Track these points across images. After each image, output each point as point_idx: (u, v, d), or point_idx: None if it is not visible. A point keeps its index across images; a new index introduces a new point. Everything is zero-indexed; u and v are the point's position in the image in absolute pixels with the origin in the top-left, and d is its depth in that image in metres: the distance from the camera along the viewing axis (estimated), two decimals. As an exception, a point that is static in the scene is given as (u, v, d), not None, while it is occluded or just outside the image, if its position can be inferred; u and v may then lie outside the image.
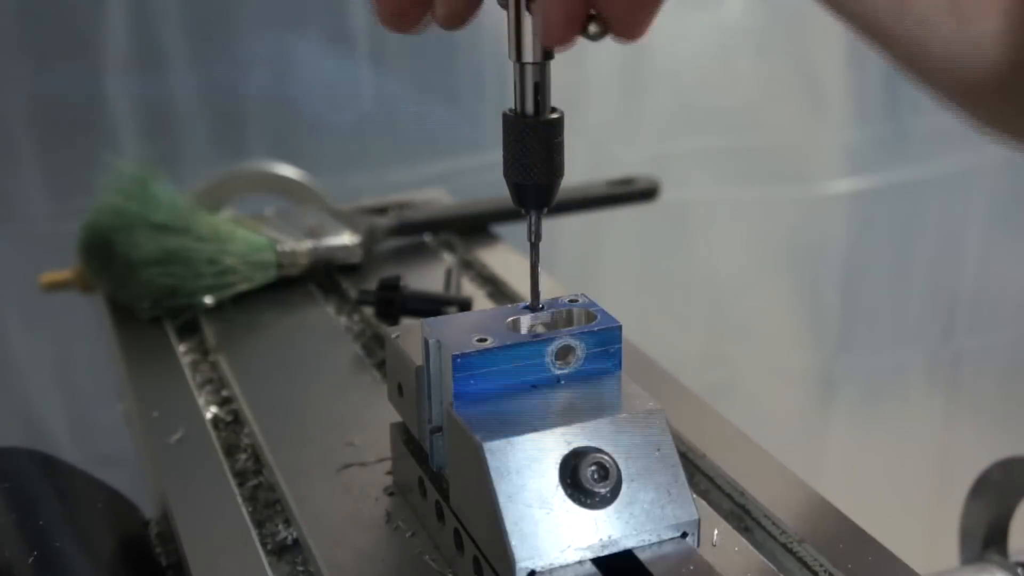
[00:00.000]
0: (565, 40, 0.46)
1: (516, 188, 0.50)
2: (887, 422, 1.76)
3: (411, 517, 0.56)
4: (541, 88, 0.48)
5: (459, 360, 0.49)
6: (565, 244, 1.52)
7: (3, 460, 0.60)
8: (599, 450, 0.47)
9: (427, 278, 0.84)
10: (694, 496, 0.49)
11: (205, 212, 0.84)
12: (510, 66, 0.49)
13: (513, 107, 0.49)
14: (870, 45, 0.42)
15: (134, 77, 1.30)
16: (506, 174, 0.50)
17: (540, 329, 0.52)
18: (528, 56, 0.48)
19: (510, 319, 0.51)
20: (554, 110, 0.49)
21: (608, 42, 0.47)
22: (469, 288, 0.84)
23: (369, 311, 0.80)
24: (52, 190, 1.31)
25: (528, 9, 0.46)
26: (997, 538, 0.64)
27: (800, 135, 1.56)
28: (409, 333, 0.55)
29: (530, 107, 0.49)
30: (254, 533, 0.56)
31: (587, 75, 1.44)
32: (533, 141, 0.49)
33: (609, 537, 0.46)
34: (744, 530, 0.57)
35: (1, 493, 0.57)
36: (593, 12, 0.45)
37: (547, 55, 0.48)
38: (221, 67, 1.33)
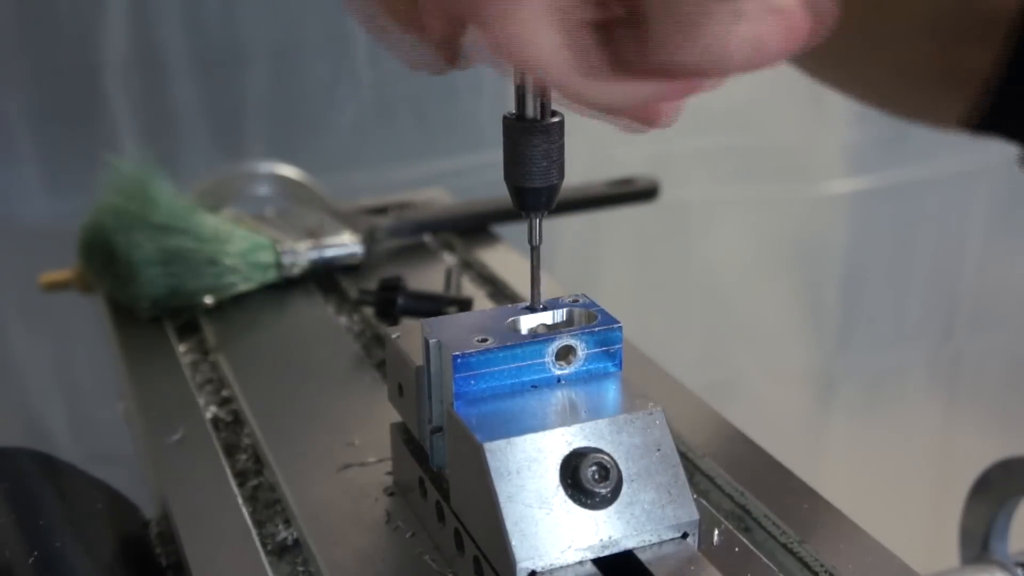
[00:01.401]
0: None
1: (516, 192, 0.50)
2: (887, 422, 1.77)
3: (411, 517, 0.56)
4: (541, 91, 0.48)
5: (459, 360, 0.49)
6: (565, 244, 1.52)
7: (3, 460, 0.60)
8: (599, 450, 0.47)
9: (427, 278, 0.84)
10: (694, 496, 0.49)
11: (205, 212, 0.84)
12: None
13: (513, 110, 0.49)
14: None
15: (134, 77, 1.30)
16: (506, 178, 0.50)
17: (540, 329, 0.52)
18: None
19: (510, 319, 0.51)
20: (554, 113, 0.49)
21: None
22: (469, 288, 0.84)
23: (369, 311, 0.80)
24: (52, 190, 1.31)
25: None
26: (997, 538, 0.64)
27: (800, 135, 1.56)
28: (409, 333, 0.55)
29: (530, 111, 0.48)
30: (254, 533, 0.56)
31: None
32: (533, 145, 0.48)
33: (609, 537, 0.46)
34: (744, 530, 0.57)
35: (1, 493, 0.57)
36: None
37: None
38: (221, 67, 1.33)
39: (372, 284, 0.80)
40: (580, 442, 0.47)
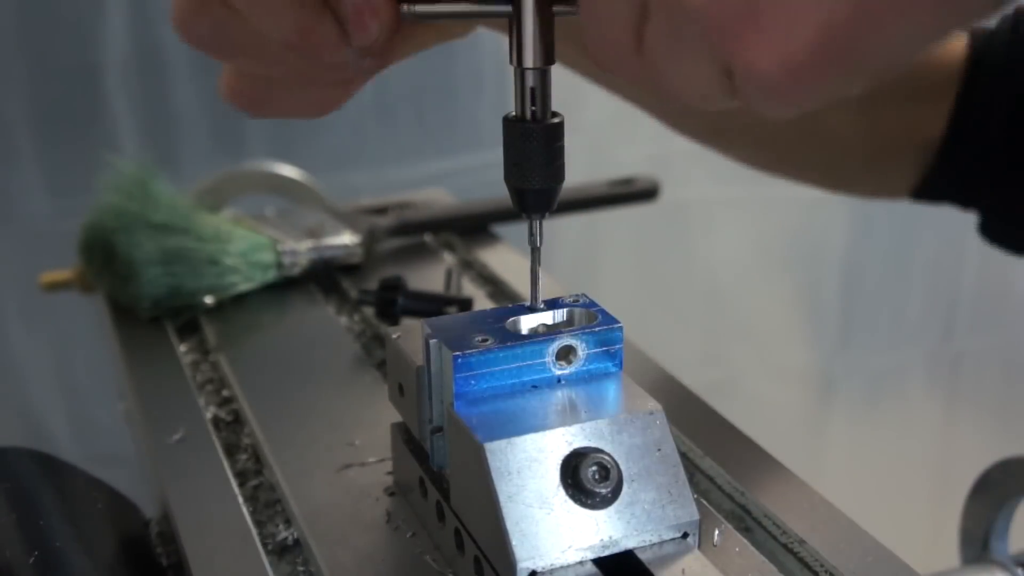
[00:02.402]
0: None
1: (517, 193, 0.50)
2: (887, 422, 1.77)
3: (411, 517, 0.56)
4: (541, 92, 0.48)
5: (460, 360, 0.49)
6: (565, 244, 1.52)
7: (3, 460, 0.60)
8: (600, 450, 0.47)
9: (427, 278, 0.84)
10: (695, 496, 0.49)
11: (205, 212, 0.84)
12: (509, 64, 0.49)
13: (513, 111, 0.49)
14: None
15: (134, 77, 1.30)
16: (507, 179, 0.50)
17: (540, 329, 0.52)
18: (528, 61, 0.48)
19: (511, 319, 0.51)
20: (555, 114, 0.49)
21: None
22: (469, 288, 0.84)
23: (369, 311, 0.80)
24: (52, 189, 1.31)
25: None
26: (997, 538, 0.64)
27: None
28: (409, 333, 0.55)
29: (530, 112, 0.48)
30: (254, 533, 0.56)
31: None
32: (533, 146, 0.48)
33: (610, 537, 0.46)
34: (745, 530, 0.57)
35: (1, 493, 0.57)
36: None
37: (548, 60, 0.48)
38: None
39: (372, 284, 0.80)
40: (580, 442, 0.47)
